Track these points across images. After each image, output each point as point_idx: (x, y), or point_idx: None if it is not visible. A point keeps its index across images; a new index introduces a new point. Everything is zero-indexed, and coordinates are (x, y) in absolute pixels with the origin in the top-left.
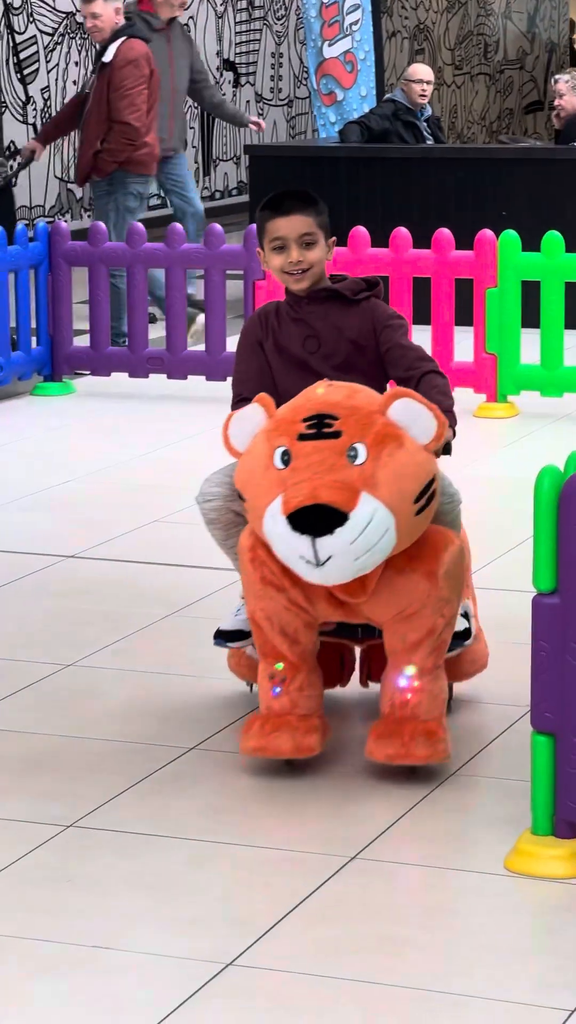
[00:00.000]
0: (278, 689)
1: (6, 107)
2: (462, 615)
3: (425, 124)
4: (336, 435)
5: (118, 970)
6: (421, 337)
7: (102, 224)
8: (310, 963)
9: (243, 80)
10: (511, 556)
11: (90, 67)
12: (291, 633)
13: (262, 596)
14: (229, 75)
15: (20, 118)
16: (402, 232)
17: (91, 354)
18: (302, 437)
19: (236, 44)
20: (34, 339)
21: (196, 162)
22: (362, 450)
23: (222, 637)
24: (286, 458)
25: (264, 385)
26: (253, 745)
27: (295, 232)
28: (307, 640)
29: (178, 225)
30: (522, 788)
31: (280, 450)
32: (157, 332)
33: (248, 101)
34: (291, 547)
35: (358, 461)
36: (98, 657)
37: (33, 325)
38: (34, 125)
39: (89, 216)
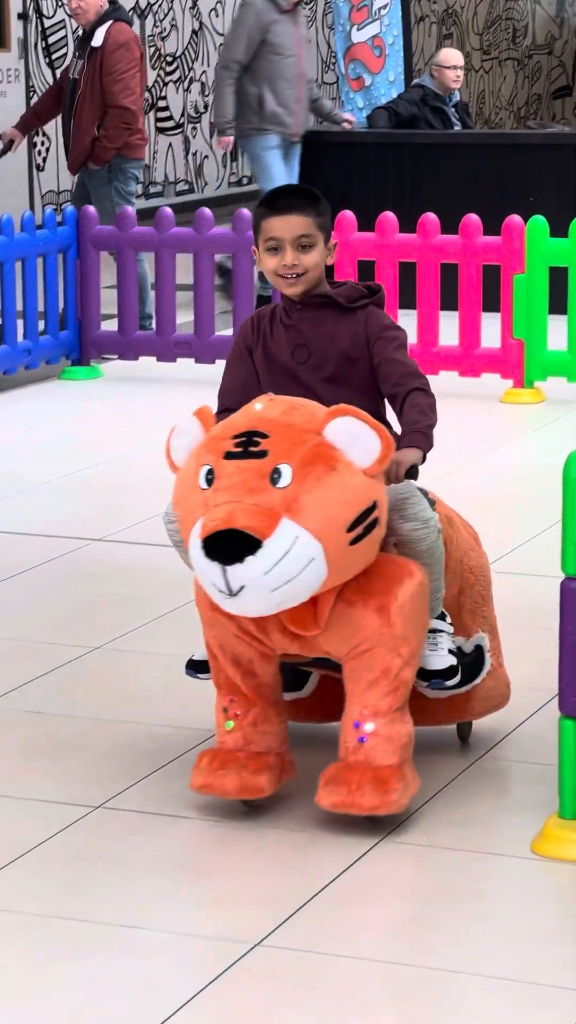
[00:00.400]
0: (231, 723)
1: (35, 92)
2: (474, 648)
3: (453, 109)
4: (262, 455)
5: (147, 950)
6: (448, 323)
7: (130, 209)
8: (338, 944)
9: None
10: (537, 542)
11: (68, 53)
12: (244, 663)
13: (212, 624)
14: None
15: None
16: (430, 218)
17: (119, 338)
18: (228, 455)
19: None
20: (62, 323)
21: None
22: (287, 471)
23: (193, 668)
24: (210, 477)
25: (248, 396)
26: (200, 782)
27: (291, 233)
28: (263, 672)
29: (207, 210)
30: (549, 773)
31: (205, 469)
32: (185, 316)
33: None
34: (204, 574)
35: (281, 483)
36: (125, 640)
37: (61, 309)
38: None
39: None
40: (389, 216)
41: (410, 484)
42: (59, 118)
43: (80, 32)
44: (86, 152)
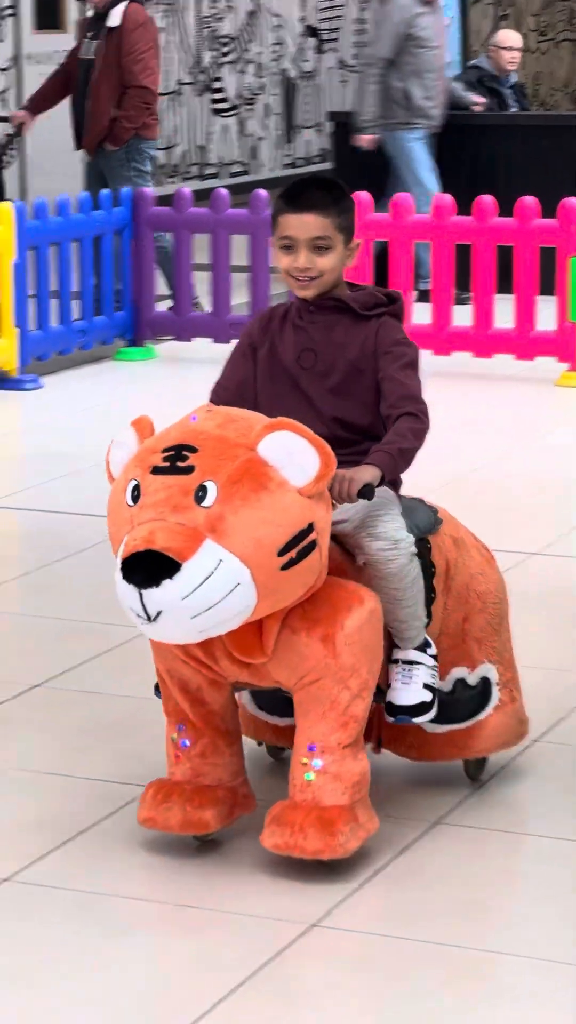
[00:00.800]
0: (178, 755)
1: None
2: (479, 680)
3: (510, 91)
4: (188, 470)
5: (203, 929)
6: (503, 307)
7: (187, 189)
8: (392, 925)
9: (326, 47)
10: None
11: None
12: (192, 691)
13: (158, 648)
14: (312, 41)
15: None
16: (485, 200)
17: (174, 319)
18: (155, 470)
19: (319, 10)
20: (117, 304)
21: (278, 129)
22: (212, 489)
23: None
24: (135, 494)
25: (243, 397)
26: (144, 815)
27: (307, 233)
28: (213, 700)
29: (262, 191)
30: None
31: (131, 484)
32: (239, 298)
33: (330, 67)
34: (123, 598)
35: (206, 502)
36: None
37: (116, 290)
38: None
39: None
40: (446, 198)
41: (385, 501)
42: (68, 100)
43: (90, 12)
44: (104, 133)
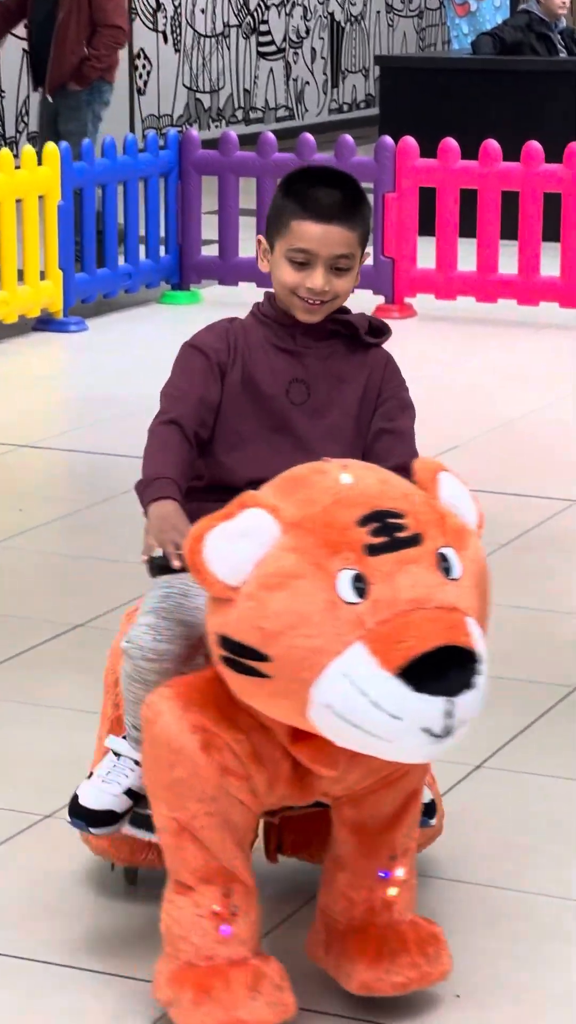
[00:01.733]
0: (228, 928)
1: (137, 14)
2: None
3: (559, 36)
4: (414, 540)
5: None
6: (549, 253)
7: (232, 133)
8: (436, 867)
9: None
10: None
11: None
12: (242, 840)
13: (216, 795)
14: None
15: (150, 25)
16: (534, 146)
17: (219, 263)
18: (372, 550)
19: None
20: (163, 247)
21: (324, 74)
22: (453, 558)
23: (84, 818)
24: (360, 585)
25: (203, 420)
26: (221, 1020)
27: (329, 250)
28: (250, 841)
29: (309, 136)
30: None
31: (348, 575)
32: None
33: (379, 12)
34: (411, 717)
35: (454, 574)
36: None
37: (162, 234)
38: (164, 33)
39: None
40: (492, 144)
41: None
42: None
43: None
44: (71, 73)
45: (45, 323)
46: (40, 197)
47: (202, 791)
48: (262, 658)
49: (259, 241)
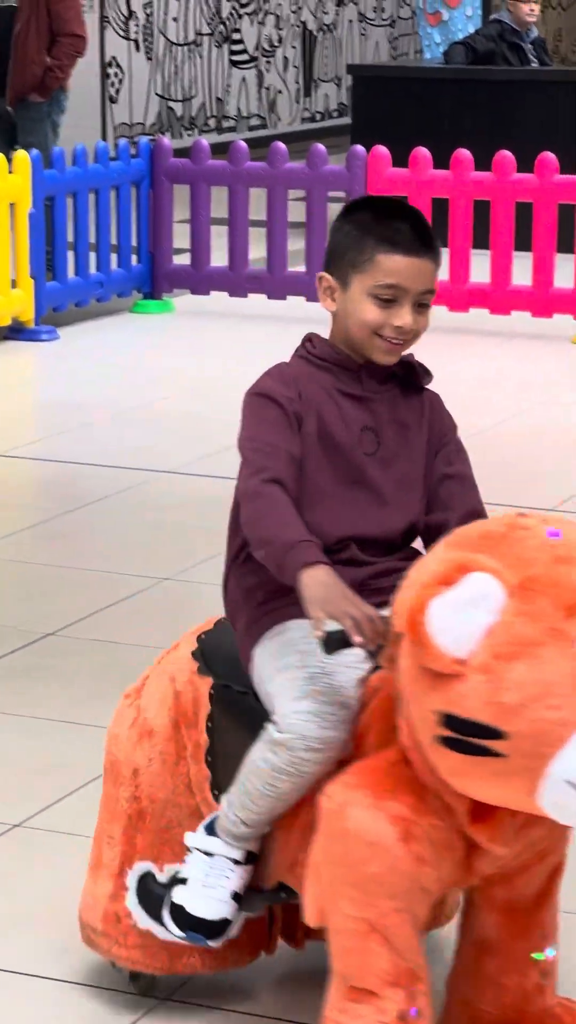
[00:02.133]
0: None
1: (109, 22)
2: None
3: (531, 46)
4: None
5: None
6: (521, 263)
7: (204, 142)
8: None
9: (346, 0)
10: None
11: None
12: (422, 927)
13: (410, 889)
14: None
15: (122, 33)
16: (505, 156)
17: (191, 272)
18: None
19: None
20: (134, 256)
21: (297, 83)
22: None
23: (201, 930)
24: None
25: (295, 476)
26: None
27: (420, 285)
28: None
29: (281, 144)
30: None
31: None
32: (258, 252)
33: (351, 21)
34: None
35: None
36: (194, 571)
37: (134, 242)
38: (136, 41)
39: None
40: (464, 153)
41: None
42: None
43: None
44: (34, 83)
45: (16, 332)
46: (11, 205)
47: (395, 886)
48: (496, 735)
49: (321, 279)
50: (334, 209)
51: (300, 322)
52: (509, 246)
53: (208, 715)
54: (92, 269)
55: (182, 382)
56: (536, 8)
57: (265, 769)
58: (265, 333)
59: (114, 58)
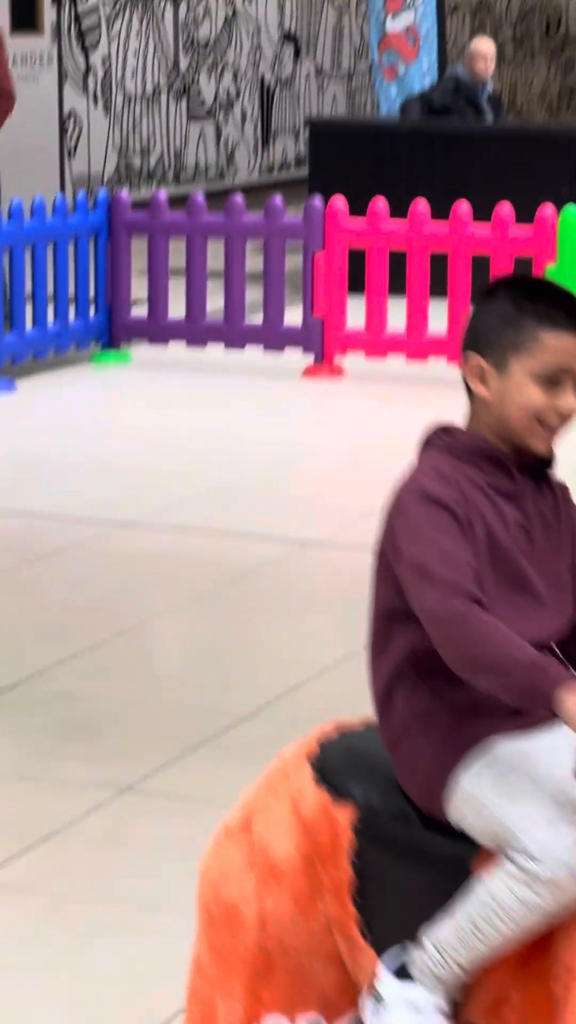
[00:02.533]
0: None
1: (68, 76)
2: None
3: (486, 100)
4: None
5: (173, 933)
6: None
7: (162, 194)
8: None
9: (304, 53)
10: None
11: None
12: None
13: None
14: (290, 48)
15: (81, 88)
16: (462, 207)
17: (149, 323)
18: None
19: (297, 17)
20: (92, 307)
21: (255, 135)
22: None
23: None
24: None
25: (479, 585)
26: None
27: None
28: None
29: (238, 196)
30: None
31: None
32: (216, 303)
33: (308, 75)
34: None
35: None
36: (153, 623)
37: (92, 294)
38: (95, 94)
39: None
40: (420, 205)
41: None
42: None
43: None
44: None
45: None
46: None
47: None
48: None
49: (469, 358)
50: (292, 260)
51: (259, 372)
52: (466, 295)
53: (353, 849)
54: (50, 320)
55: (140, 433)
56: (490, 63)
57: (515, 909)
58: (223, 383)
59: (73, 111)
